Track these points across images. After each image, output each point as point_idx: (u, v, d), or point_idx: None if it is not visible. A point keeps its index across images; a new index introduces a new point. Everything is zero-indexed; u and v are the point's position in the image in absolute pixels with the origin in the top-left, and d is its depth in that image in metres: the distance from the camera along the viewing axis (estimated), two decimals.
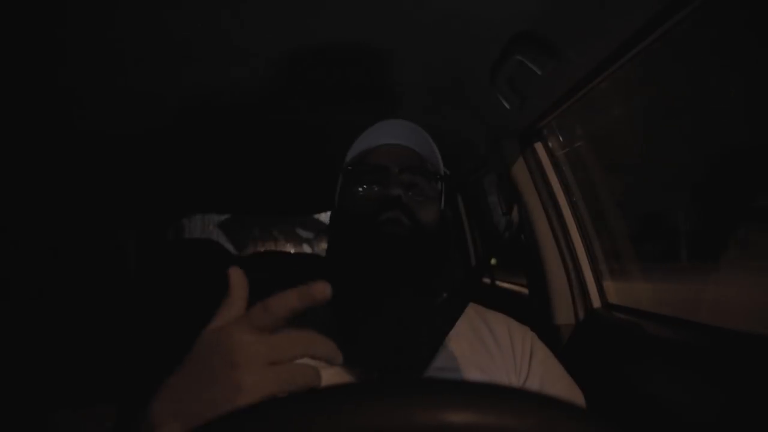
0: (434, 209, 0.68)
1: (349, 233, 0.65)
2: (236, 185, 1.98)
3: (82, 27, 0.75)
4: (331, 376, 0.55)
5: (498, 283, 1.78)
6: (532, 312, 1.19)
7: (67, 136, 1.21)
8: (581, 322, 1.08)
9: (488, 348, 0.66)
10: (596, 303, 1.07)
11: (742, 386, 0.63)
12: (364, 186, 0.67)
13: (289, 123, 1.24)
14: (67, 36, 0.78)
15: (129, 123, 1.17)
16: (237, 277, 0.42)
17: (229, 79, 0.98)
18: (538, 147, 1.15)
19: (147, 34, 0.78)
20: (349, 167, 0.70)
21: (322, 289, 0.38)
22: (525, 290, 1.41)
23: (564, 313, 1.10)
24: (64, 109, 1.08)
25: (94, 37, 0.78)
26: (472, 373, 0.62)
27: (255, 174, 1.80)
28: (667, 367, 0.78)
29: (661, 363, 0.80)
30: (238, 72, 0.95)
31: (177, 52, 0.85)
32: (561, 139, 1.16)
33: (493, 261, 1.73)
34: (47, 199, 1.46)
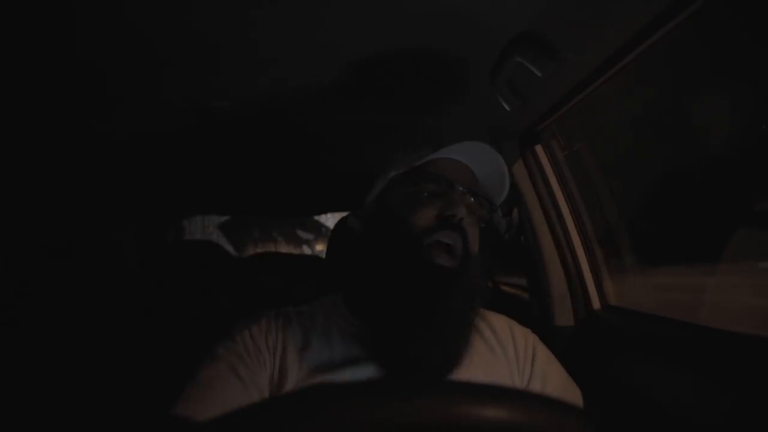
0: (479, 238, 0.66)
1: (394, 242, 0.61)
2: (236, 186, 1.97)
3: (82, 28, 0.75)
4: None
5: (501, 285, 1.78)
6: (532, 313, 1.19)
7: (67, 137, 1.22)
8: (581, 324, 1.08)
9: (491, 350, 0.67)
10: (596, 304, 1.07)
11: (742, 387, 0.63)
12: (424, 194, 0.62)
13: (289, 123, 1.24)
14: (69, 37, 0.78)
15: (128, 124, 1.18)
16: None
17: (228, 80, 0.98)
18: (538, 149, 1.15)
19: (146, 37, 0.78)
20: (408, 174, 0.65)
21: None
22: (524, 292, 1.41)
23: (564, 315, 1.10)
24: (66, 110, 1.08)
25: (95, 38, 0.79)
26: (476, 375, 0.62)
27: (255, 175, 1.80)
28: (667, 369, 0.78)
29: (661, 364, 0.80)
30: (238, 73, 0.95)
31: (176, 54, 0.85)
32: (561, 140, 1.16)
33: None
34: (46, 199, 1.46)
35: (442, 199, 0.62)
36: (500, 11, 0.72)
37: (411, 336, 0.57)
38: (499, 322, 0.71)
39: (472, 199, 0.64)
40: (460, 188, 0.62)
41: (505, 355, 0.66)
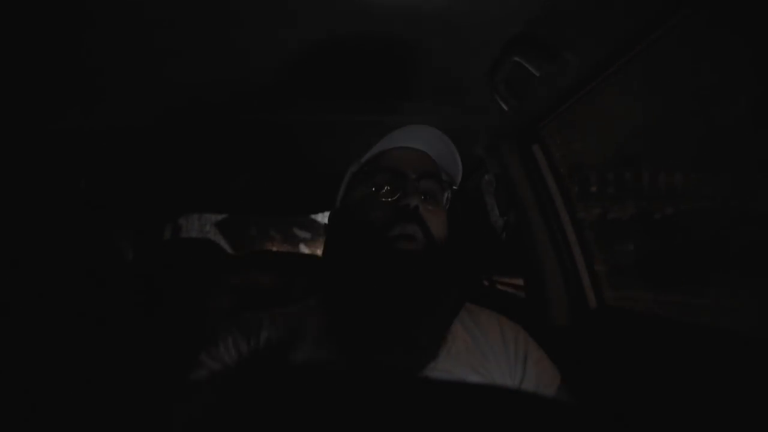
0: (444, 220, 0.66)
1: (357, 241, 0.62)
2: (233, 185, 1.97)
3: (78, 26, 0.75)
4: (333, 379, 0.55)
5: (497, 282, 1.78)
6: (528, 312, 1.20)
7: (64, 134, 1.21)
8: (577, 323, 1.08)
9: (481, 348, 0.66)
10: (592, 304, 1.08)
11: (739, 386, 0.64)
12: (378, 190, 0.63)
13: (288, 123, 1.23)
14: (64, 34, 0.77)
15: (126, 122, 1.17)
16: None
17: (227, 78, 0.97)
18: (536, 149, 1.15)
19: (143, 34, 0.78)
20: (362, 170, 0.66)
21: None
22: (522, 291, 1.41)
23: (560, 314, 1.11)
24: (61, 107, 1.07)
25: (90, 36, 0.78)
26: (467, 373, 0.62)
27: (253, 174, 1.80)
28: (663, 368, 0.78)
29: (656, 364, 0.80)
30: (237, 71, 0.95)
31: (174, 51, 0.84)
32: (558, 141, 1.16)
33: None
34: (44, 197, 1.45)
35: (394, 191, 0.62)
36: (499, 12, 0.72)
37: (380, 332, 0.57)
38: (489, 319, 0.71)
39: (430, 183, 0.64)
40: (413, 176, 0.62)
41: (495, 352, 0.66)
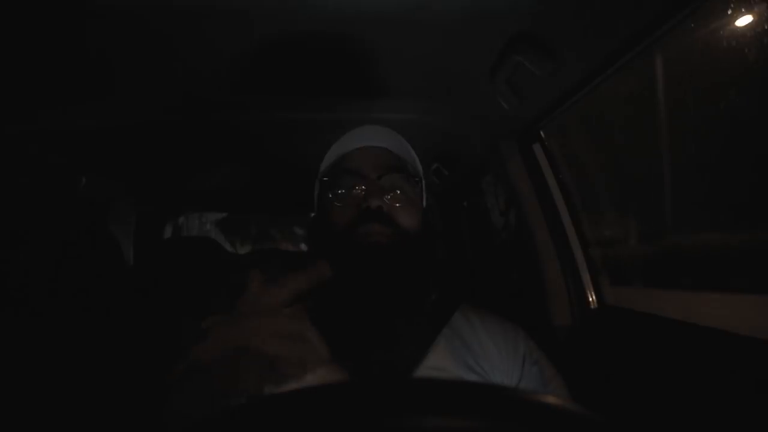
0: (417, 212, 0.66)
1: (328, 245, 0.63)
2: (234, 183, 1.97)
3: (72, 24, 0.75)
4: (321, 377, 0.55)
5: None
6: (529, 312, 1.20)
7: (61, 132, 1.21)
8: (578, 323, 1.08)
9: (480, 347, 0.66)
10: (593, 304, 1.08)
11: (738, 387, 0.64)
12: (342, 194, 0.64)
13: (288, 122, 1.23)
14: (59, 30, 0.77)
15: (124, 120, 1.17)
16: (255, 273, 0.45)
17: (226, 76, 0.97)
18: (537, 148, 1.15)
19: (140, 31, 0.78)
20: (324, 176, 0.67)
21: (325, 270, 0.43)
22: (522, 290, 1.41)
23: (561, 314, 1.11)
24: (57, 104, 1.07)
25: (86, 35, 0.78)
26: (464, 373, 0.62)
27: (253, 172, 1.80)
28: (663, 368, 0.78)
29: (657, 363, 0.80)
30: (236, 70, 0.95)
31: (172, 48, 0.84)
32: (558, 139, 1.16)
33: None
34: (43, 196, 1.45)
35: (358, 192, 0.63)
36: (499, 11, 0.72)
37: (355, 333, 0.57)
38: (488, 318, 0.71)
39: (394, 178, 0.64)
40: (374, 176, 0.63)
41: (492, 352, 0.65)
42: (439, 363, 0.62)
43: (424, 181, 0.70)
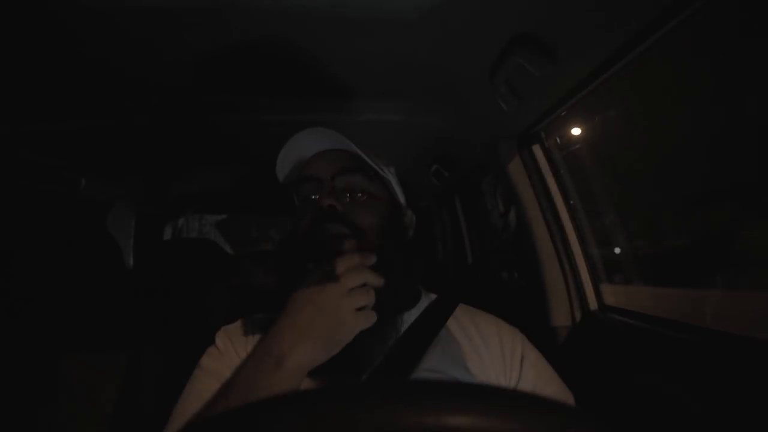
0: (380, 211, 0.67)
1: (295, 248, 0.65)
2: (234, 184, 1.97)
3: (68, 21, 0.75)
4: (315, 380, 0.55)
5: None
6: (529, 314, 1.19)
7: (59, 131, 1.21)
8: (578, 324, 1.08)
9: (477, 349, 0.66)
10: (593, 305, 1.08)
11: (738, 387, 0.63)
12: (302, 199, 0.68)
13: (289, 123, 1.23)
14: (54, 25, 0.77)
15: (124, 121, 1.17)
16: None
17: (226, 75, 0.97)
18: (536, 149, 1.15)
19: (138, 29, 0.78)
20: (287, 184, 0.71)
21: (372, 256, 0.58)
22: (522, 291, 1.41)
23: (561, 315, 1.10)
24: (55, 102, 1.07)
25: (81, 33, 0.78)
26: (462, 375, 0.61)
27: (253, 172, 1.80)
28: (664, 369, 0.78)
29: (657, 365, 0.80)
30: (240, 72, 0.95)
31: (171, 47, 0.85)
32: (558, 141, 1.16)
33: None
34: (42, 195, 1.45)
35: (313, 197, 0.66)
36: (499, 12, 0.72)
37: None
38: (486, 320, 0.71)
39: (350, 177, 0.66)
40: (327, 177, 0.65)
41: (491, 354, 0.65)
42: (436, 365, 0.62)
43: (394, 178, 0.71)
